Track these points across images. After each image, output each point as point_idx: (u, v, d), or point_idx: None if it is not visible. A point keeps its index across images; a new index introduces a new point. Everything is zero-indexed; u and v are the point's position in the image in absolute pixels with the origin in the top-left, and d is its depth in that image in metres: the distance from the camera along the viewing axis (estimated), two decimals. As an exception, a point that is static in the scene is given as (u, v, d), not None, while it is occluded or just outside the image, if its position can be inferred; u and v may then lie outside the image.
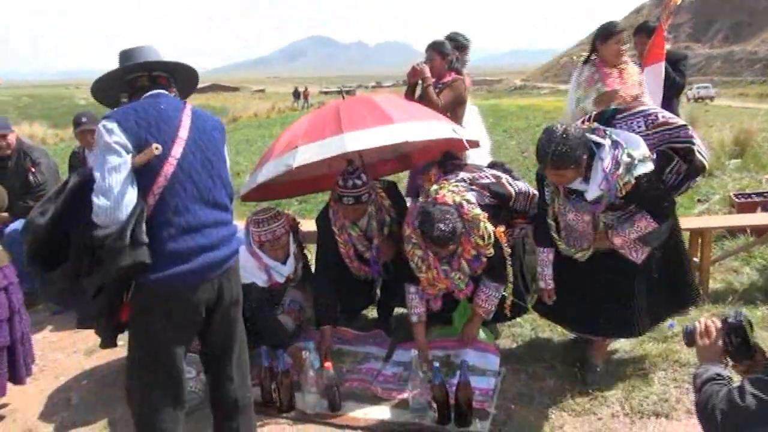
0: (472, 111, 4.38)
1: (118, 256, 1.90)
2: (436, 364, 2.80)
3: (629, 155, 2.53)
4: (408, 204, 3.68)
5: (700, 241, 4.04)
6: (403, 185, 4.42)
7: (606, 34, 3.76)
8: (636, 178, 2.54)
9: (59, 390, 3.39)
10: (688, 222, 4.20)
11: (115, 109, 2.12)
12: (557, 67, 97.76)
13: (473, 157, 3.98)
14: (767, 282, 4.04)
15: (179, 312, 2.11)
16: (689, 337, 1.85)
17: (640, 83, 3.83)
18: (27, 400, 3.30)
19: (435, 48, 4.17)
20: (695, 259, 3.94)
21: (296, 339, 3.56)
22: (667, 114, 2.67)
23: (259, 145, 14.29)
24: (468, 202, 3.05)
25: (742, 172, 6.91)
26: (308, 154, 3.07)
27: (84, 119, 4.48)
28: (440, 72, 4.13)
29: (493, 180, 3.21)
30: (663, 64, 4.19)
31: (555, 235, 2.91)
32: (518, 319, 3.62)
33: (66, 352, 3.90)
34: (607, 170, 2.54)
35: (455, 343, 3.35)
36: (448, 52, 4.15)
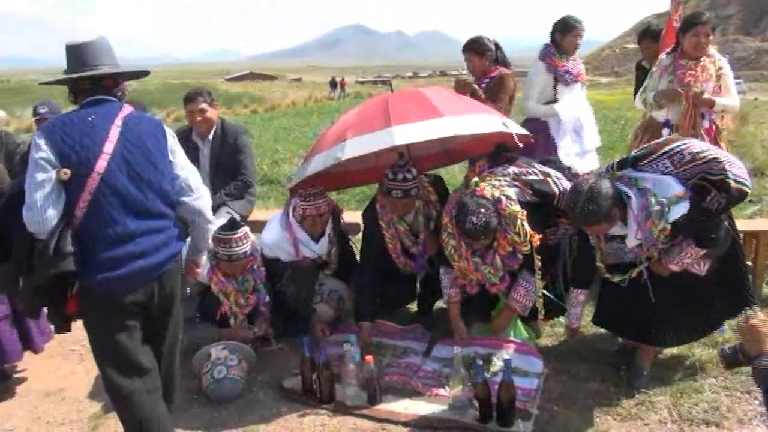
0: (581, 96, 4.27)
1: (45, 266, 2.06)
2: (480, 363, 2.77)
3: (659, 202, 2.47)
4: None
5: (754, 243, 3.90)
6: (450, 179, 4.41)
7: (687, 25, 3.69)
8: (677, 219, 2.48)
9: (99, 375, 3.45)
10: (742, 224, 4.04)
11: (49, 120, 2.26)
12: (598, 59, 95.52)
13: (587, 142, 4.00)
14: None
15: (114, 311, 2.24)
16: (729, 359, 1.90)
17: (718, 77, 3.71)
18: (76, 380, 3.40)
19: (470, 49, 4.17)
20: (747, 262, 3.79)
21: (334, 328, 3.59)
22: (697, 148, 2.52)
23: (296, 134, 14.36)
24: (507, 198, 3.01)
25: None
26: (357, 146, 3.06)
27: (42, 110, 4.44)
28: (482, 70, 4.12)
29: (540, 177, 3.15)
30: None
31: (607, 274, 2.89)
32: (560, 319, 3.55)
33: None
34: (639, 221, 2.51)
35: (497, 342, 3.30)
36: (485, 48, 4.13)
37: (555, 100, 4.06)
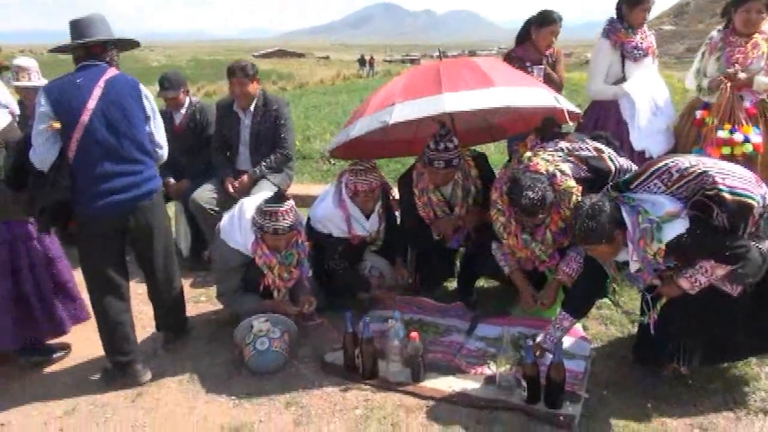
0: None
1: (45, 194, 2.77)
2: (530, 342, 2.71)
3: (648, 220, 2.33)
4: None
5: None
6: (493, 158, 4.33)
7: (739, 0, 3.49)
8: (677, 239, 2.31)
9: (145, 341, 3.48)
10: None
11: (50, 81, 2.91)
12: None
13: (661, 120, 3.86)
14: None
15: (97, 234, 2.91)
16: None
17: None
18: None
19: (557, 22, 4.20)
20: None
21: (376, 305, 3.56)
22: (684, 164, 2.37)
23: (326, 111, 14.26)
24: (562, 173, 2.92)
25: None
26: (405, 111, 3.02)
27: (166, 84, 4.47)
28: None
29: (594, 153, 3.04)
30: None
31: (619, 309, 2.84)
32: (606, 300, 3.46)
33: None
34: (634, 239, 2.37)
35: (543, 322, 3.23)
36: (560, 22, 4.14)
37: (624, 79, 3.89)
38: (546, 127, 3.20)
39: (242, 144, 4.35)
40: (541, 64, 4.22)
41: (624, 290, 3.58)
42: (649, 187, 2.44)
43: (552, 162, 2.93)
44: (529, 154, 3.00)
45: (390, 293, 3.55)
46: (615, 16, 3.94)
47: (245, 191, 4.14)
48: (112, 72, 2.85)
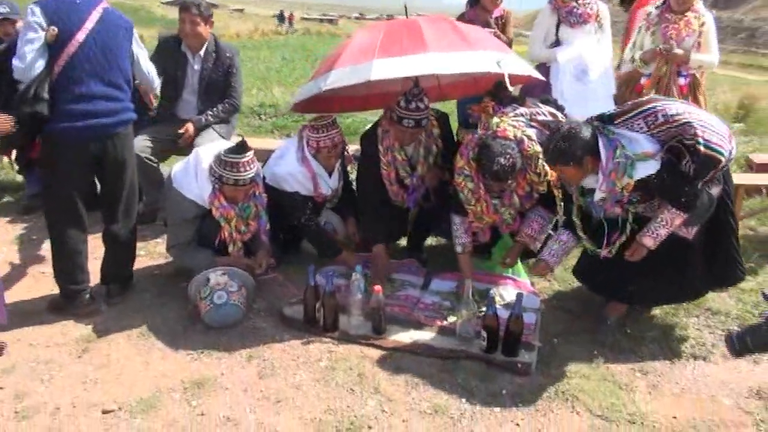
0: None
1: (23, 104, 2.66)
2: (492, 294, 2.81)
3: (624, 155, 2.47)
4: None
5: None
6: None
7: None
8: (646, 178, 2.47)
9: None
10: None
11: None
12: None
13: (590, 88, 3.96)
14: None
15: (68, 159, 2.83)
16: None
17: (700, 32, 3.79)
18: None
19: None
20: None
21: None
22: (672, 110, 2.48)
23: (249, 66, 13.68)
24: (529, 138, 3.00)
25: (749, 135, 6.98)
26: (339, 78, 3.00)
27: (3, 9, 4.09)
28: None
29: (551, 118, 3.14)
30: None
31: (582, 234, 2.88)
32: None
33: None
34: (605, 171, 2.50)
35: (495, 278, 3.36)
36: None
37: (557, 42, 4.02)
38: (499, 91, 3.25)
39: (188, 90, 4.10)
40: (489, 26, 4.27)
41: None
42: (631, 125, 2.55)
43: (518, 128, 2.99)
44: (496, 120, 3.04)
45: (354, 255, 3.52)
46: None
47: (189, 141, 3.95)
48: (106, 3, 2.89)
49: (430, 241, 3.98)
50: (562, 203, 3.00)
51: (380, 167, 3.39)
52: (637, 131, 2.55)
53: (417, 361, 2.77)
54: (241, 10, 67.92)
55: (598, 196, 2.61)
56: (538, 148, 2.97)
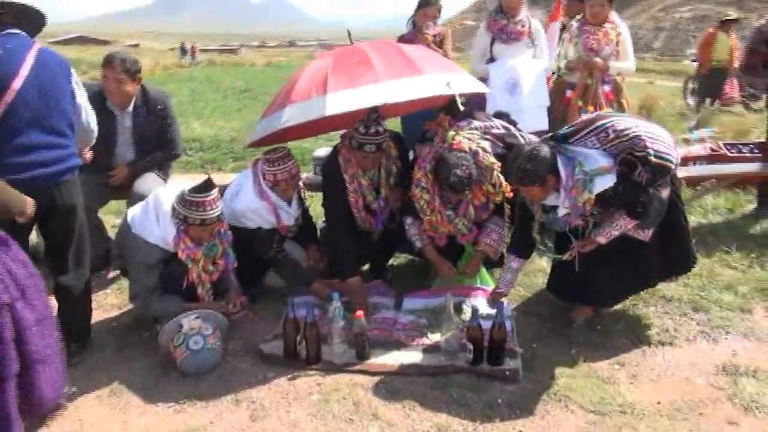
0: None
1: None
2: (477, 307, 2.86)
3: (583, 172, 2.63)
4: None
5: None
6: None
7: None
8: (604, 191, 2.63)
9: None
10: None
11: None
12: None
13: (522, 99, 4.16)
14: (712, 227, 4.51)
15: None
16: None
17: (617, 42, 4.10)
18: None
19: (436, 6, 4.37)
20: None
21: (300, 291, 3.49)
22: (621, 126, 2.65)
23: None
24: (483, 150, 3.11)
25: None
26: (295, 114, 3.03)
27: None
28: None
29: (505, 131, 3.28)
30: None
31: (543, 248, 3.05)
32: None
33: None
34: (567, 188, 2.65)
35: (466, 290, 3.42)
36: (440, 7, 4.31)
37: (492, 59, 4.22)
38: (452, 107, 3.36)
39: (123, 145, 3.84)
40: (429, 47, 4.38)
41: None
42: (585, 143, 2.70)
43: (473, 140, 3.10)
44: (451, 133, 3.13)
45: (326, 282, 3.47)
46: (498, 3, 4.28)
47: (124, 181, 3.77)
48: (39, 45, 2.69)
49: (392, 260, 4.00)
50: (512, 213, 3.14)
51: (346, 196, 3.38)
52: (591, 147, 2.71)
53: (408, 381, 2.77)
54: (137, 45, 65.74)
55: (562, 212, 2.75)
56: (493, 160, 3.09)
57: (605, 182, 2.62)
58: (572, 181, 2.63)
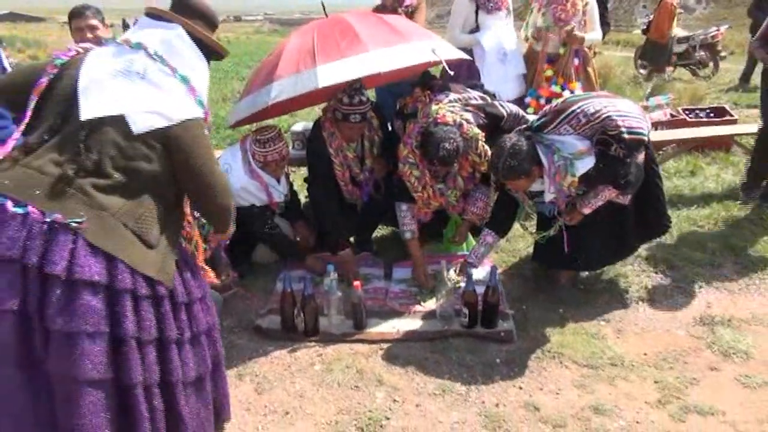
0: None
1: None
2: (471, 272, 2.94)
3: (562, 157, 2.71)
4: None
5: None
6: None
7: None
8: (586, 172, 2.72)
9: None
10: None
11: None
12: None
13: (510, 69, 4.20)
14: (676, 189, 4.72)
15: None
16: None
17: (584, 12, 4.19)
18: None
19: None
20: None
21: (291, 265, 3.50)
22: (591, 109, 2.71)
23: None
24: (467, 121, 3.14)
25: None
26: (285, 89, 2.99)
27: None
28: None
29: (483, 102, 3.32)
30: None
31: (524, 223, 3.16)
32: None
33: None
34: (550, 175, 2.74)
35: (450, 257, 3.50)
36: None
37: (477, 28, 4.23)
38: (427, 81, 3.38)
39: None
40: (397, 14, 4.35)
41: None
42: (559, 131, 2.77)
43: (456, 113, 3.13)
44: (434, 107, 3.14)
45: (318, 256, 3.49)
46: None
47: None
48: None
49: (376, 232, 4.04)
50: (496, 184, 3.21)
51: (332, 170, 3.39)
52: (565, 134, 2.78)
53: (407, 347, 2.84)
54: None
55: (548, 197, 2.84)
56: (477, 130, 3.14)
57: (586, 164, 2.71)
58: (554, 168, 2.72)
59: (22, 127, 1.72)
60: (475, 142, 3.14)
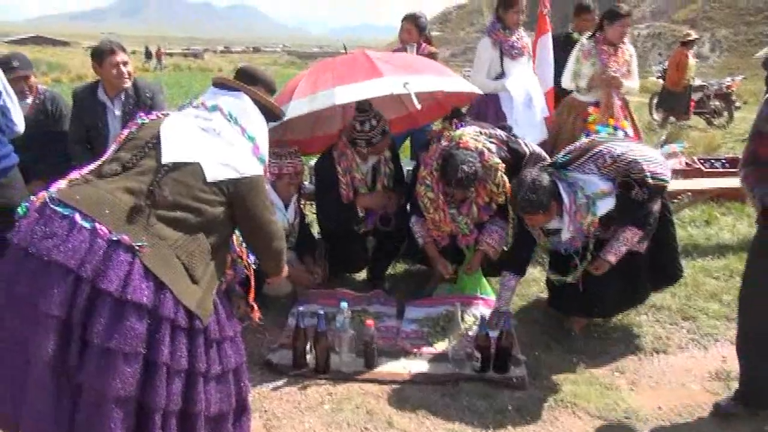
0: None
1: None
2: (483, 316, 2.92)
3: (585, 195, 2.74)
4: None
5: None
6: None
7: (614, 15, 4.15)
8: (606, 213, 2.75)
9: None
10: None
11: None
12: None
13: (537, 112, 4.33)
14: (691, 239, 4.71)
15: None
16: None
17: (627, 62, 4.28)
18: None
19: (414, 22, 4.54)
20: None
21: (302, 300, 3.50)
22: (618, 151, 2.74)
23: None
24: (489, 150, 3.21)
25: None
26: (348, 94, 3.10)
27: (16, 63, 3.83)
28: (416, 43, 4.37)
29: (507, 138, 3.37)
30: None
31: (552, 277, 3.16)
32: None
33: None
34: (571, 213, 2.75)
35: (467, 299, 3.49)
36: (424, 24, 4.41)
37: (502, 74, 4.30)
38: (455, 115, 3.46)
39: (112, 138, 3.85)
40: None
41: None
42: (583, 169, 2.80)
43: (479, 141, 3.20)
44: (459, 132, 3.22)
45: (326, 293, 3.50)
46: (494, 18, 4.37)
47: None
48: None
49: (390, 269, 4.04)
50: (515, 219, 3.22)
51: (338, 189, 3.48)
52: (589, 173, 2.80)
53: (418, 389, 2.81)
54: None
55: (566, 235, 2.84)
56: (498, 160, 3.20)
57: (607, 204, 2.73)
58: (575, 206, 2.73)
59: (99, 162, 1.88)
60: (494, 172, 3.19)
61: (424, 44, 4.59)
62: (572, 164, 2.82)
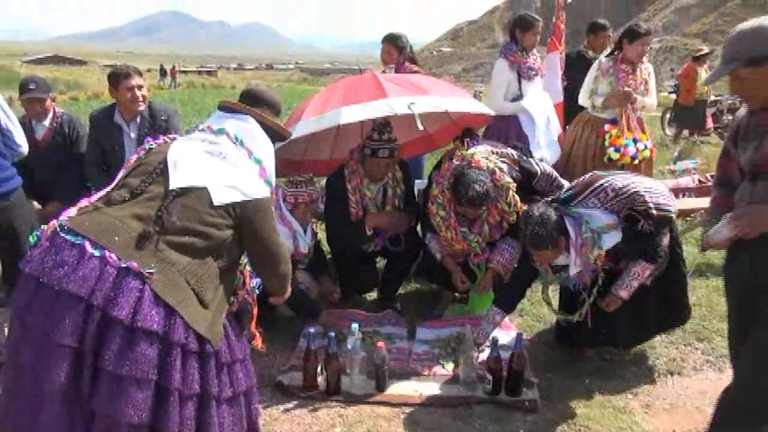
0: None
1: None
2: (497, 338, 2.91)
3: (590, 229, 2.72)
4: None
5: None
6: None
7: (635, 34, 4.16)
8: (613, 247, 2.73)
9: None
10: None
11: None
12: (419, 59, 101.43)
13: (554, 132, 4.40)
14: (705, 257, 4.65)
15: None
16: None
17: (645, 80, 4.30)
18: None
19: (392, 42, 4.57)
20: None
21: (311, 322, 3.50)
22: (619, 184, 2.73)
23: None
24: (500, 169, 3.22)
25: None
26: (354, 113, 3.15)
27: (32, 85, 3.93)
28: (396, 64, 4.43)
29: (519, 158, 3.38)
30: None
31: (555, 311, 3.15)
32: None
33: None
34: (577, 248, 2.73)
35: (476, 320, 3.47)
36: (404, 45, 4.48)
37: (520, 95, 4.32)
38: (467, 135, 3.47)
39: (129, 156, 3.92)
40: None
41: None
42: (586, 204, 2.78)
43: (490, 160, 3.21)
44: (471, 151, 3.24)
45: (332, 312, 3.51)
46: (510, 39, 4.39)
47: None
48: None
49: (401, 289, 4.04)
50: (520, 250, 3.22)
51: (348, 207, 3.51)
52: (592, 207, 2.78)
53: (429, 412, 2.80)
54: (114, 66, 65.36)
55: (573, 270, 2.81)
56: (509, 180, 3.21)
57: (612, 238, 2.71)
58: (581, 240, 2.72)
59: (108, 188, 1.90)
60: (505, 191, 3.20)
61: (407, 63, 4.61)
62: (575, 200, 2.81)
